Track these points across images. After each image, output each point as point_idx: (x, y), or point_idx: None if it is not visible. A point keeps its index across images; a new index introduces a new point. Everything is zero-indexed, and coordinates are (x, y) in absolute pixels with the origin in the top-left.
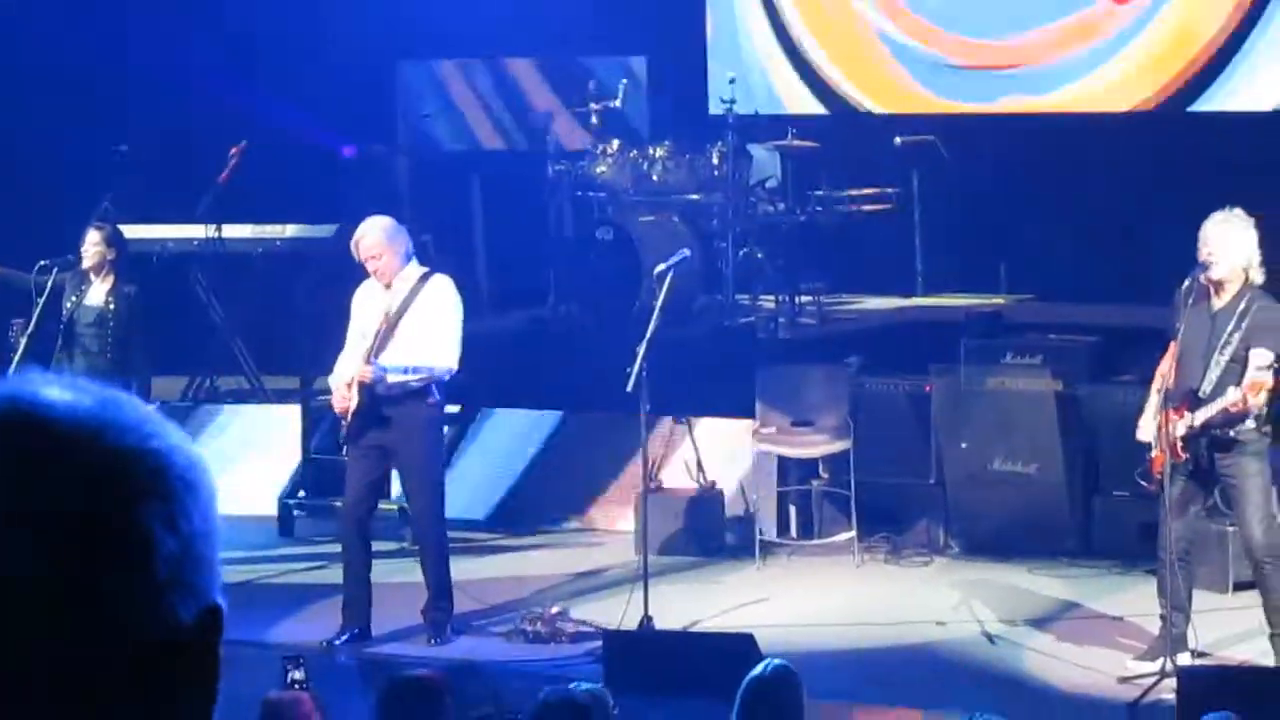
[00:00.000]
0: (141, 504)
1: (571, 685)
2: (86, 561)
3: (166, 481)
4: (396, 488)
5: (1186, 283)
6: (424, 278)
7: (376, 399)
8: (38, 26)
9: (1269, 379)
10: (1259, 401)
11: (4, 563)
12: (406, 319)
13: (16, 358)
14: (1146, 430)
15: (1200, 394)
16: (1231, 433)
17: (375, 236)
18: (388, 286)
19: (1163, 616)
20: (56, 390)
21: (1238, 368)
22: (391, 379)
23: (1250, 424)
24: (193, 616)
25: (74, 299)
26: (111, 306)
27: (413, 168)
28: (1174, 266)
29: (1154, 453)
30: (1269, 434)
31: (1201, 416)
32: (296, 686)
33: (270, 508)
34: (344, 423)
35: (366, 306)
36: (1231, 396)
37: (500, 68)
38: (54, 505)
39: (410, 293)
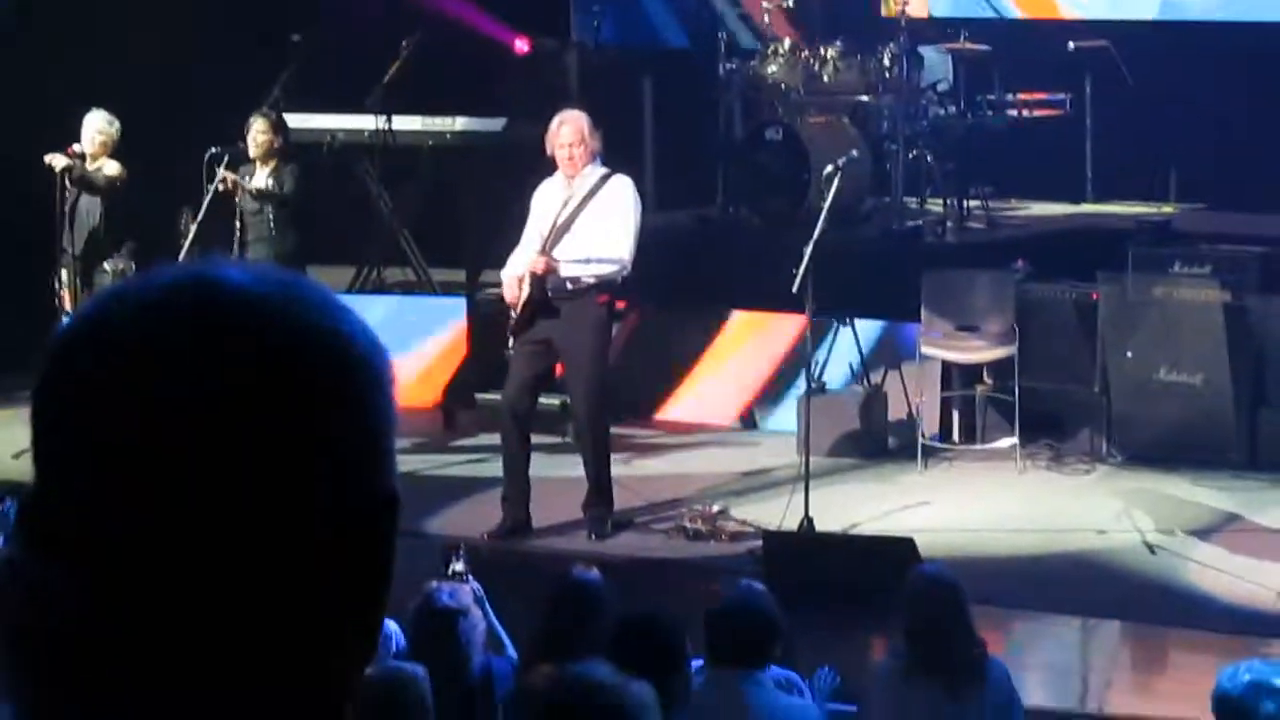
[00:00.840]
0: (326, 384)
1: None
2: (267, 440)
3: (350, 364)
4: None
5: None
6: (605, 177)
7: (546, 293)
8: None
9: None
10: None
11: (190, 437)
12: (585, 214)
13: (186, 245)
14: None
15: None
16: None
17: (574, 125)
18: (571, 179)
19: None
20: (241, 272)
21: None
22: (565, 271)
23: None
24: (371, 505)
25: (242, 190)
26: (277, 195)
27: (583, 63)
28: None
29: None
30: None
31: None
32: (457, 577)
33: (435, 398)
34: (513, 315)
35: (546, 203)
36: None
37: None
38: (240, 380)
39: (592, 190)
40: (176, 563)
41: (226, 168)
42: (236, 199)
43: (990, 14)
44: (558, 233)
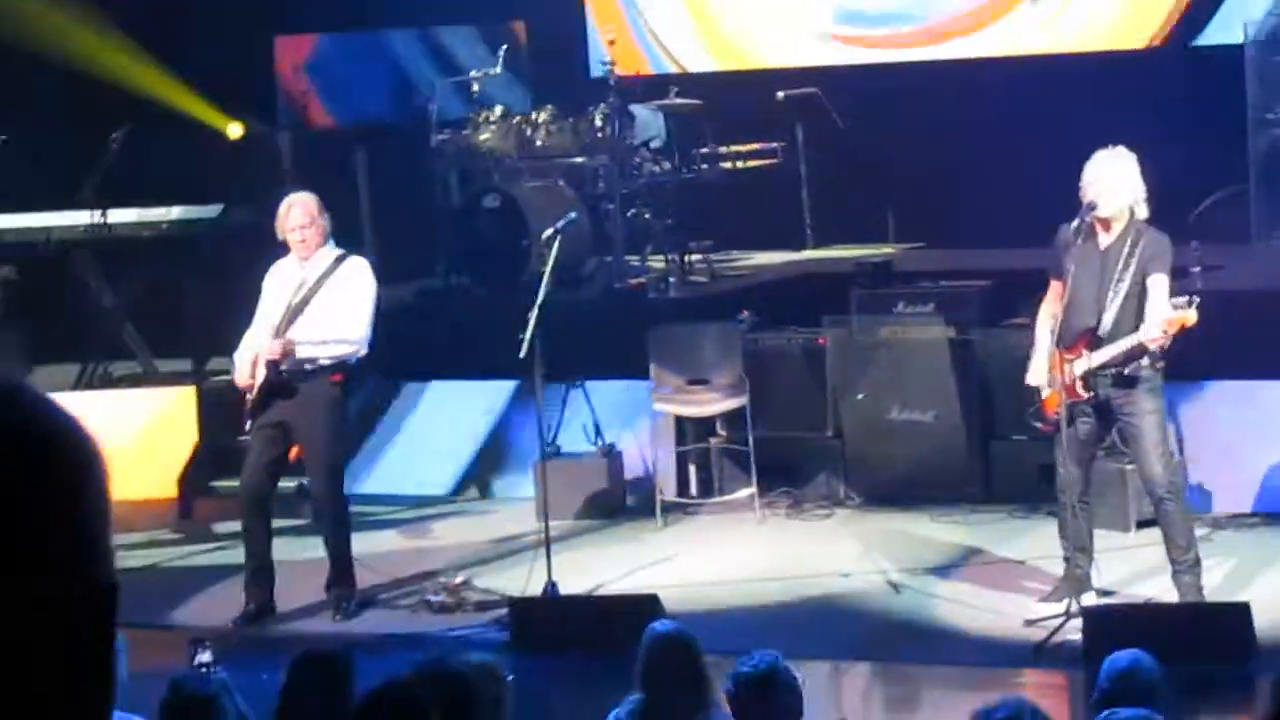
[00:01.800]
0: (34, 477)
1: (462, 656)
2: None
3: (59, 458)
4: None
5: (1075, 223)
6: (340, 259)
7: (281, 375)
8: None
9: (1190, 315)
10: (1168, 338)
11: None
12: (320, 296)
13: None
14: (1038, 373)
15: (1099, 333)
16: (1128, 370)
17: (303, 207)
18: (304, 262)
19: (1066, 558)
20: None
21: (1134, 303)
22: (300, 353)
23: (1146, 361)
24: (86, 595)
25: None
26: None
27: (295, 144)
28: (1058, 207)
29: (1046, 394)
30: (1163, 370)
31: (1103, 355)
32: (203, 668)
33: (170, 490)
34: (248, 399)
35: (279, 284)
36: (1151, 333)
37: (379, 39)
38: None
39: (326, 271)
40: None
41: None
42: None
43: (671, 68)
44: (292, 314)
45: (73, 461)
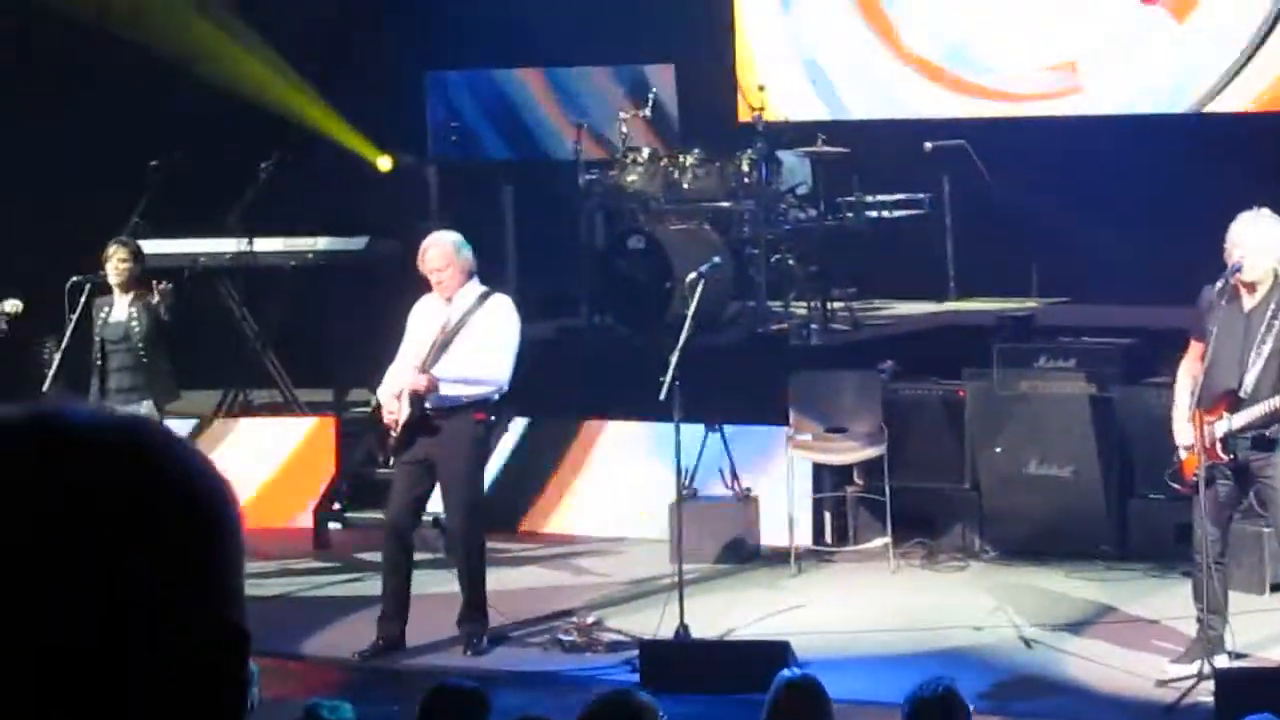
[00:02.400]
0: (164, 522)
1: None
2: (100, 577)
3: (189, 503)
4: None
5: (1219, 284)
6: (483, 296)
7: (425, 411)
8: (72, 42)
9: None
10: None
11: (23, 569)
12: (463, 334)
13: (50, 376)
14: (1184, 433)
15: (1240, 394)
16: (1268, 433)
17: (440, 249)
18: (448, 301)
19: (1199, 619)
20: (85, 412)
21: (1275, 365)
22: (444, 390)
23: None
24: (216, 641)
25: (103, 316)
26: (136, 321)
27: (443, 178)
28: (1203, 267)
29: (1185, 455)
30: None
31: (1245, 417)
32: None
33: (306, 520)
34: (391, 435)
35: (423, 320)
36: None
37: (530, 77)
38: (78, 517)
39: (470, 309)
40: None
41: (88, 296)
42: (97, 323)
43: (840, 115)
44: (436, 351)
45: (204, 508)
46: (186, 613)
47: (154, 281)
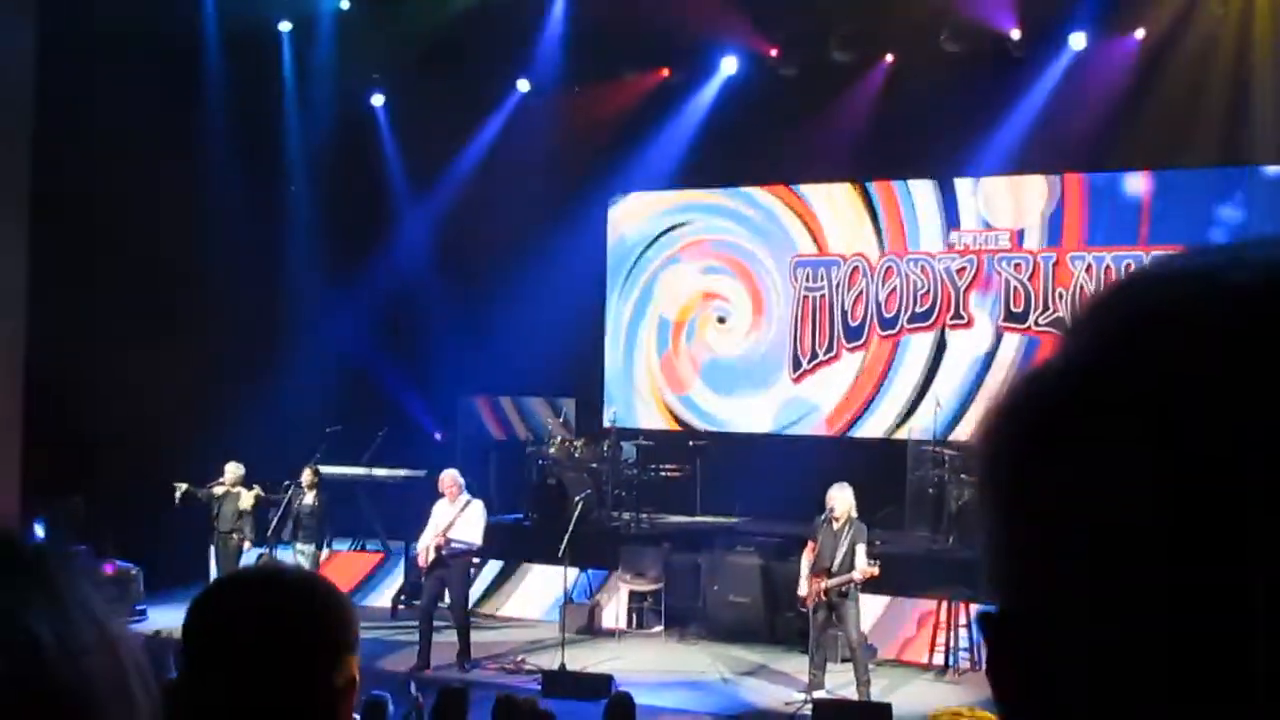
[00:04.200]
0: (324, 620)
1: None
2: (307, 657)
3: (333, 608)
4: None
5: (822, 516)
6: (469, 500)
7: (441, 555)
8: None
9: (875, 568)
10: (866, 575)
11: (255, 671)
12: (460, 519)
13: (269, 544)
14: (804, 587)
15: (831, 569)
16: (842, 589)
17: (452, 477)
18: (451, 501)
19: (811, 672)
20: (284, 570)
21: (849, 557)
22: (452, 547)
23: (852, 586)
24: (340, 685)
25: (297, 502)
26: (316, 507)
27: (461, 447)
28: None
29: (804, 593)
30: (859, 588)
31: (834, 581)
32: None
33: (389, 604)
34: (423, 567)
35: (440, 510)
36: (856, 575)
37: (506, 401)
38: (286, 617)
39: (462, 506)
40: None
41: (293, 489)
42: (294, 507)
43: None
44: (447, 527)
45: (336, 610)
46: (326, 667)
47: (297, 484)
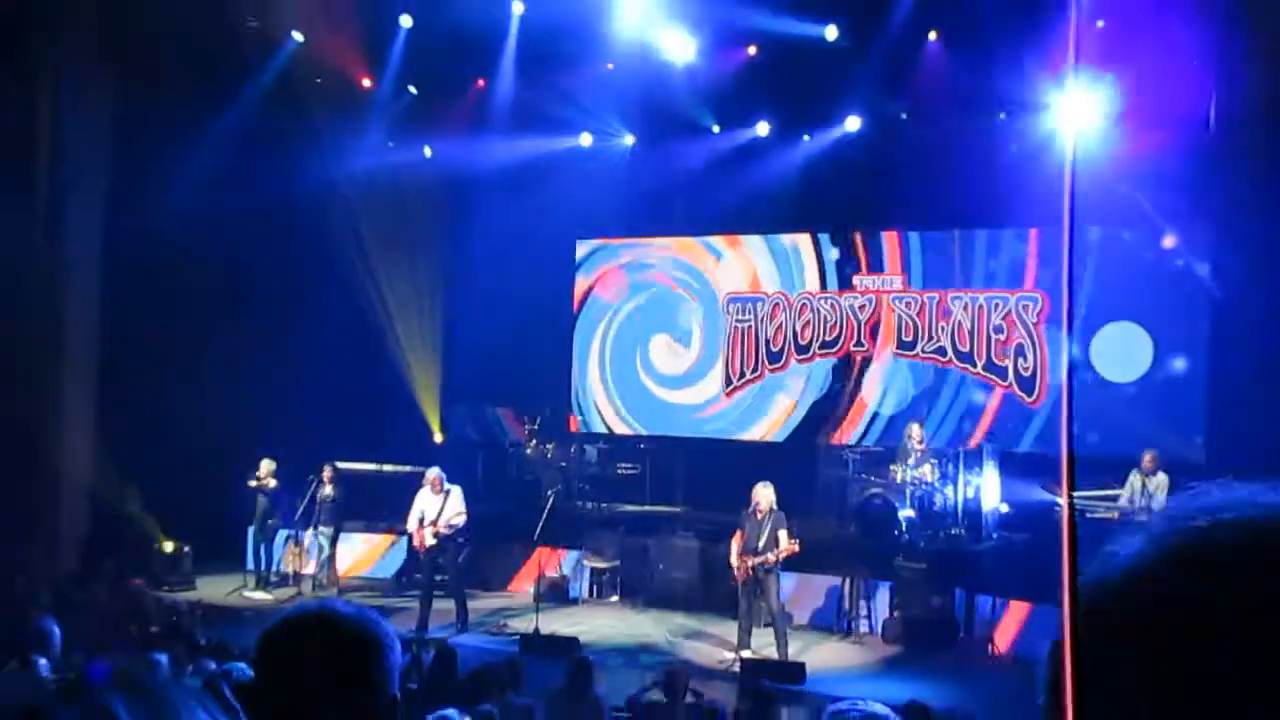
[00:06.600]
0: (371, 647)
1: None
2: (360, 679)
3: (378, 638)
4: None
5: (749, 508)
6: (449, 491)
7: (439, 540)
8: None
9: (795, 545)
10: (786, 552)
11: (327, 677)
12: (446, 506)
13: (296, 527)
14: (735, 565)
15: (757, 549)
16: (766, 566)
17: (436, 474)
18: (435, 492)
19: (740, 634)
20: (340, 601)
21: (771, 540)
22: (446, 528)
23: (774, 563)
24: (385, 704)
25: (319, 494)
26: (334, 497)
27: (450, 450)
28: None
29: (736, 569)
30: (780, 565)
31: (759, 559)
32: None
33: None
34: (420, 549)
35: (424, 500)
36: (782, 549)
37: (492, 409)
38: (370, 666)
39: (446, 493)
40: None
41: (315, 483)
42: (316, 499)
43: (621, 431)
44: (437, 517)
45: (381, 638)
46: (375, 690)
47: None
